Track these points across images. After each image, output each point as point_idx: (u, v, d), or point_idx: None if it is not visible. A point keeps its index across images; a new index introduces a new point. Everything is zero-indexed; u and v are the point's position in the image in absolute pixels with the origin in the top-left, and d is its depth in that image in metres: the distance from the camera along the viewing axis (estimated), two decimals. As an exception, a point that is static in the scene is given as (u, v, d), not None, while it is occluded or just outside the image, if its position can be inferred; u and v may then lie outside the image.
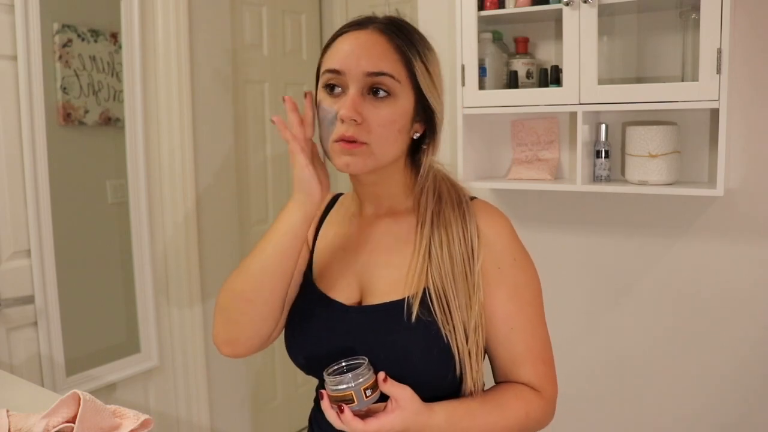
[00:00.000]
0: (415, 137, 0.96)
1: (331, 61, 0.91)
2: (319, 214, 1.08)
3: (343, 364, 0.88)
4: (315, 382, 1.04)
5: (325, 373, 0.87)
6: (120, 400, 2.03)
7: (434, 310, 0.90)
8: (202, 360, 2.27)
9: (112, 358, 2.03)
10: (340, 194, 1.13)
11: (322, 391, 0.86)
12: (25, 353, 1.77)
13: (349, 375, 0.84)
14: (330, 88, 0.91)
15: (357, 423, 0.83)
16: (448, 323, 0.90)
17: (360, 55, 0.89)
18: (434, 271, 0.92)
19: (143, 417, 1.04)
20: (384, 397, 0.86)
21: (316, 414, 1.06)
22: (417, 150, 0.98)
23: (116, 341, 2.08)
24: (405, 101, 0.91)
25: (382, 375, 0.86)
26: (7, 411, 1.09)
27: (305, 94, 0.92)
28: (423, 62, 0.92)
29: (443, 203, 0.96)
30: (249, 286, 0.94)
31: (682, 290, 1.82)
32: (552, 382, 0.97)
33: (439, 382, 0.92)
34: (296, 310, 1.01)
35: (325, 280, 1.01)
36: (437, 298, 0.90)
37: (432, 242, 0.93)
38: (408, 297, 0.92)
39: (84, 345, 1.95)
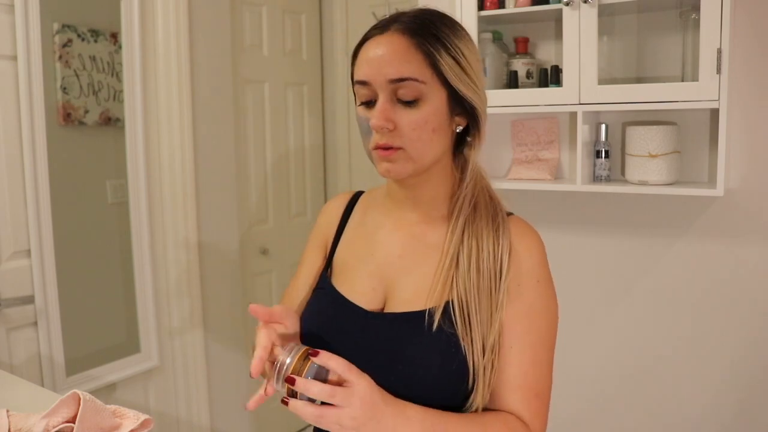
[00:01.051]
0: (458, 130, 0.93)
1: (358, 72, 0.90)
2: (339, 214, 1.06)
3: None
4: None
5: (275, 378, 0.80)
6: (120, 400, 2.03)
7: (456, 322, 0.88)
8: (202, 360, 2.27)
9: (112, 358, 2.03)
10: (361, 192, 1.10)
11: (289, 376, 0.79)
12: (25, 353, 1.77)
13: (288, 346, 0.79)
14: (364, 98, 0.90)
15: (321, 387, 0.77)
16: (467, 336, 0.87)
17: (381, 62, 0.87)
18: (459, 281, 0.90)
19: (143, 417, 1.04)
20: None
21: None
22: (461, 143, 0.96)
23: (116, 341, 2.08)
24: (436, 100, 0.88)
25: (323, 351, 0.80)
26: (7, 411, 1.09)
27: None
28: (451, 55, 0.89)
29: (477, 214, 0.93)
30: None
31: (682, 290, 1.82)
32: (542, 420, 0.91)
33: (452, 395, 0.89)
34: (314, 312, 0.98)
35: (348, 283, 0.98)
36: (460, 310, 0.88)
37: (461, 251, 0.91)
38: (431, 308, 0.90)
39: (84, 345, 1.95)
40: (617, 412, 1.94)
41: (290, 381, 0.78)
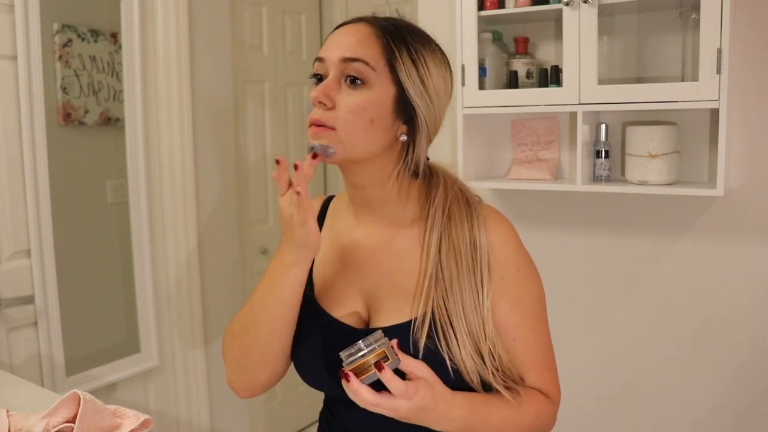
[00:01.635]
0: (401, 138, 0.91)
1: (319, 52, 0.91)
2: None
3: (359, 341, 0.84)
4: None
5: (345, 353, 0.82)
6: (120, 400, 2.03)
7: (440, 343, 0.88)
8: (202, 360, 2.27)
9: (112, 358, 2.02)
10: (332, 197, 1.08)
11: (348, 372, 0.81)
12: (25, 353, 1.77)
13: (372, 337, 0.81)
14: (317, 78, 0.91)
15: (399, 382, 0.80)
16: (455, 356, 0.88)
17: (340, 43, 0.88)
18: (440, 300, 0.90)
19: (143, 417, 1.04)
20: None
21: (328, 416, 1.05)
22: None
23: (116, 341, 2.08)
24: (381, 91, 0.88)
25: (395, 341, 0.84)
26: (7, 411, 1.09)
27: (277, 161, 0.87)
28: (411, 58, 0.89)
29: (453, 223, 0.93)
30: (260, 341, 0.94)
31: (682, 290, 1.82)
32: (556, 386, 0.98)
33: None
34: (305, 335, 0.97)
35: (330, 298, 0.98)
36: (443, 330, 0.88)
37: (440, 271, 0.91)
38: (413, 324, 0.90)
39: (84, 345, 1.95)
40: (618, 412, 1.94)
41: (379, 368, 0.80)
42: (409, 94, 0.89)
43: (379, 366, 0.80)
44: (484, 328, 0.89)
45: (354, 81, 0.87)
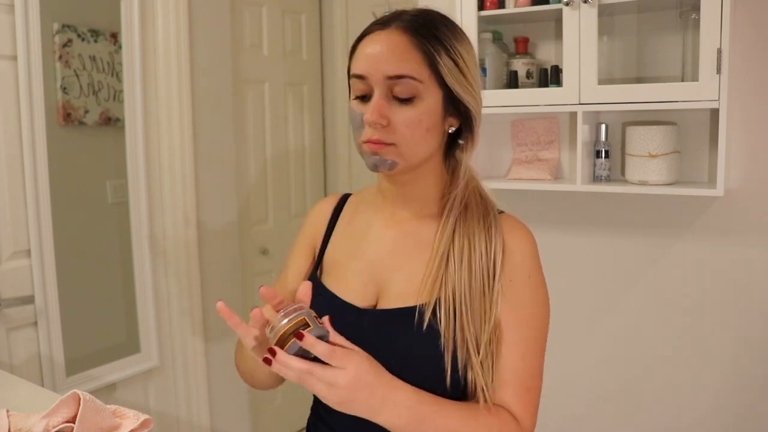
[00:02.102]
0: (450, 131, 0.95)
1: (356, 65, 0.91)
2: (328, 216, 1.08)
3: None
4: None
5: (268, 327, 0.81)
6: (120, 400, 2.03)
7: (440, 321, 0.88)
8: (202, 360, 2.26)
9: (112, 358, 2.02)
10: (348, 194, 1.11)
11: (273, 347, 0.79)
12: (25, 353, 1.77)
13: (292, 306, 0.81)
14: (359, 93, 0.91)
15: (324, 345, 0.79)
16: (457, 334, 0.87)
17: (380, 58, 0.88)
18: (449, 279, 0.90)
19: (143, 417, 1.04)
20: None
21: (315, 422, 1.05)
22: (453, 145, 0.98)
23: (116, 341, 2.08)
24: (431, 100, 0.89)
25: (327, 317, 0.83)
26: (7, 411, 1.09)
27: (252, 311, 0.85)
28: (450, 56, 0.90)
29: (469, 213, 0.94)
30: (262, 380, 1.05)
31: (681, 290, 1.82)
32: (532, 414, 0.91)
33: (445, 392, 0.89)
34: None
35: (340, 281, 0.99)
36: (446, 308, 0.88)
37: (451, 250, 0.92)
38: (420, 305, 0.90)
39: (84, 345, 1.95)
40: (617, 412, 1.94)
41: (299, 336, 0.78)
42: (456, 93, 0.91)
43: (299, 335, 0.78)
44: (490, 313, 0.89)
45: (401, 95, 0.88)
